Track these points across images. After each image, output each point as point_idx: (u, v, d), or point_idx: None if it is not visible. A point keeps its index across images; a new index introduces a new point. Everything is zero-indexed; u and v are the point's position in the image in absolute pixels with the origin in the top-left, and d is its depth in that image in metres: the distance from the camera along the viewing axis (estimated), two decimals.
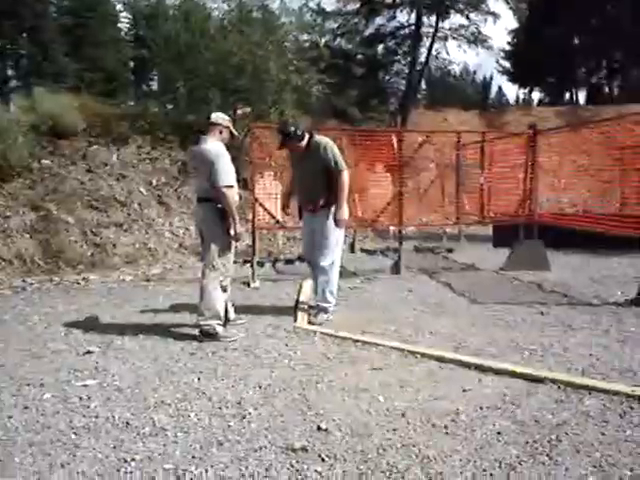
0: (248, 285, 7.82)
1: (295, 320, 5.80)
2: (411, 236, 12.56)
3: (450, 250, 11.18)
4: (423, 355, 4.56)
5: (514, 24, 35.95)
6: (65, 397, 3.74)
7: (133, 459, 2.88)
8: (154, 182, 11.47)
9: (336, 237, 5.82)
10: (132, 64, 28.46)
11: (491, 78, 58.42)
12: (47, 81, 19.45)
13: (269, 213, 8.01)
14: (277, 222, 8.13)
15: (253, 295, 7.25)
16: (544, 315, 6.05)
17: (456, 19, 19.61)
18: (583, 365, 4.32)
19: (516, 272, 8.67)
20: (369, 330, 5.44)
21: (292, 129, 5.66)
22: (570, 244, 10.19)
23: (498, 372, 4.13)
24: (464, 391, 3.81)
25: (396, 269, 8.61)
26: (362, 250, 11.04)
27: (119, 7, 25.65)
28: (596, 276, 8.41)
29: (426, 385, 3.93)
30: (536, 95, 45.17)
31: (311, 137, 5.77)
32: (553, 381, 3.90)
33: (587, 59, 37.83)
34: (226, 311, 5.34)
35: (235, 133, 5.45)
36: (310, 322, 5.78)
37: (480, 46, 20.29)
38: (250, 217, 8.22)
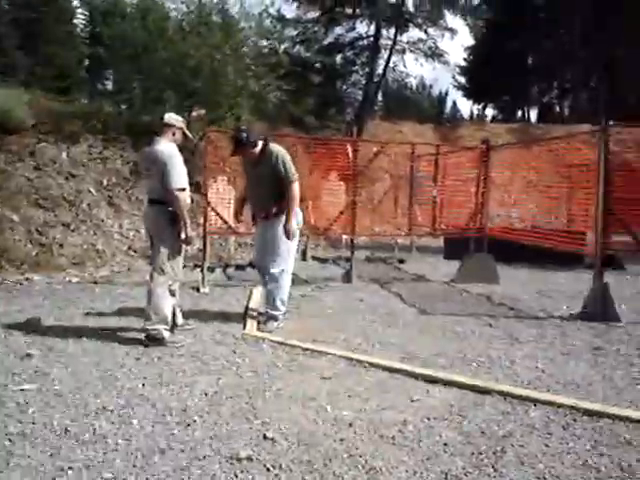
0: (198, 290, 7.70)
1: (244, 327, 5.72)
2: (363, 245, 12.59)
3: (402, 261, 11.27)
4: (372, 365, 4.55)
5: (470, 41, 36.77)
6: (1, 402, 3.59)
7: (70, 467, 2.77)
8: (105, 182, 11.23)
9: (288, 245, 5.78)
10: (87, 62, 27.83)
11: (446, 93, 59.55)
12: None
13: (221, 218, 7.92)
14: (229, 227, 8.03)
15: (202, 301, 7.14)
16: (492, 327, 6.12)
17: (414, 33, 19.90)
18: (529, 378, 4.38)
19: (466, 284, 8.76)
20: (319, 339, 5.41)
21: (245, 136, 5.60)
22: (519, 258, 10.37)
23: (446, 383, 4.14)
24: (412, 401, 3.81)
25: (348, 278, 8.61)
26: (314, 258, 11.05)
27: (75, 3, 25.05)
28: (543, 289, 8.57)
29: (374, 395, 3.91)
30: (490, 112, 46.14)
31: (265, 145, 5.73)
32: (500, 393, 3.93)
33: (539, 79, 38.77)
34: (174, 316, 5.24)
35: (189, 135, 5.36)
36: (259, 330, 5.72)
37: (437, 61, 20.58)
38: (202, 221, 8.10)
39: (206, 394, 3.82)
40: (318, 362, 4.63)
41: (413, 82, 37.28)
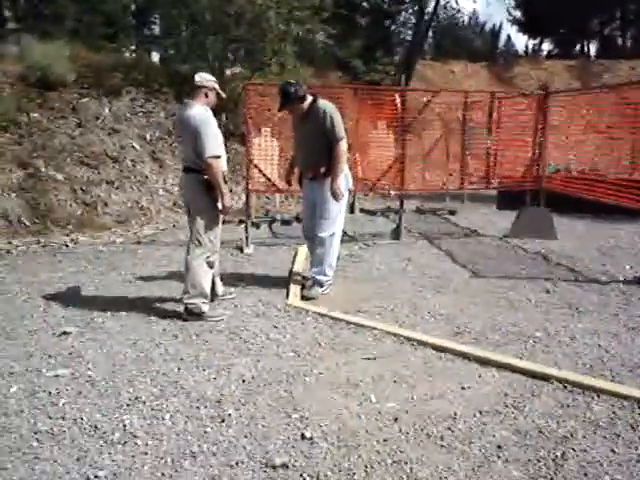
0: (241, 250, 7.51)
1: (287, 296, 5.50)
2: (413, 194, 12.20)
3: (453, 212, 10.85)
4: (420, 343, 4.28)
5: None
6: (33, 391, 3.47)
7: (96, 476, 2.61)
8: (148, 137, 11.04)
9: (337, 207, 5.50)
10: (133, 7, 27.45)
11: (500, 27, 56.84)
12: (45, 23, 18.72)
13: (264, 175, 7.63)
14: (273, 185, 7.76)
15: (245, 263, 6.94)
16: (549, 294, 5.76)
17: None
18: (591, 358, 4.05)
19: (521, 240, 8.35)
20: (365, 309, 5.17)
21: (293, 90, 5.29)
22: (578, 209, 9.79)
23: (500, 366, 3.85)
24: (463, 389, 3.54)
25: (396, 234, 8.28)
26: (362, 210, 10.73)
27: None
28: (604, 246, 8.09)
29: (422, 380, 3.66)
30: (546, 47, 44.02)
31: (314, 101, 5.40)
32: (559, 380, 3.62)
33: (600, 10, 36.58)
34: (214, 285, 5.05)
35: (222, 95, 5.03)
36: (303, 296, 5.50)
37: None
38: (245, 177, 7.83)
39: (244, 380, 3.63)
40: (363, 339, 4.39)
41: (466, 19, 35.65)
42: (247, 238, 7.60)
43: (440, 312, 5.09)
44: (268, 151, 8.13)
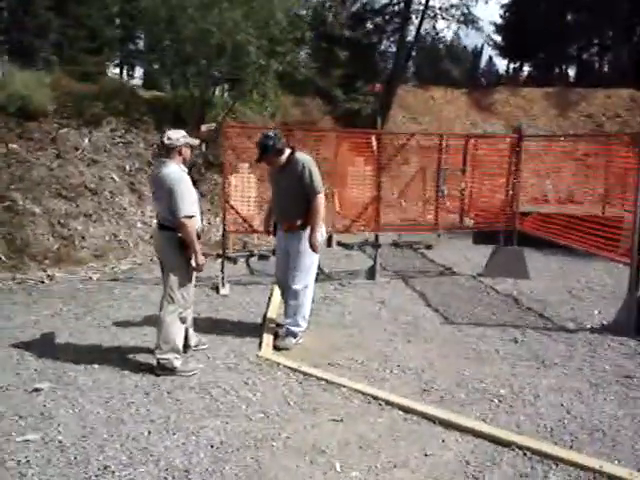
0: (217, 291, 7.57)
1: (260, 346, 5.57)
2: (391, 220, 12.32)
3: (429, 247, 10.99)
4: (387, 403, 4.37)
5: None
6: (3, 459, 3.50)
7: None
8: (127, 168, 11.09)
9: (312, 259, 5.60)
10: (118, 21, 27.40)
11: (482, 48, 57.46)
12: (28, 36, 18.69)
13: (242, 217, 7.72)
14: (250, 226, 7.84)
15: (220, 305, 7.01)
16: (517, 344, 5.89)
17: None
18: (553, 420, 4.17)
19: (494, 279, 8.51)
20: (336, 361, 5.26)
21: (271, 143, 5.39)
22: (550, 244, 9.91)
23: (464, 430, 3.95)
24: (426, 455, 3.64)
25: (371, 274, 8.39)
26: (339, 244, 10.81)
27: None
28: (574, 287, 8.27)
29: (387, 445, 3.75)
30: (526, 69, 44.57)
31: (292, 153, 5.51)
32: (520, 447, 3.72)
33: (579, 36, 37.24)
34: (186, 338, 5.12)
35: (194, 143, 5.07)
36: (276, 346, 5.58)
37: (470, 27, 19.81)
38: (222, 218, 7.91)
39: (212, 445, 3.69)
40: (332, 397, 4.47)
41: (447, 41, 36.04)
42: (223, 278, 7.67)
43: (409, 366, 5.19)
44: (245, 191, 8.22)
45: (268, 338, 5.71)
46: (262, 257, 9.69)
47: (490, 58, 63.44)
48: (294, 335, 5.67)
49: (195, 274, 4.95)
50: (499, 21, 35.97)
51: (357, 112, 17.13)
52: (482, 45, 57.93)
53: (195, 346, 5.34)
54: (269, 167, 5.77)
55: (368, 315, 6.76)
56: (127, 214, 10.21)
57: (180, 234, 4.67)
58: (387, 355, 5.45)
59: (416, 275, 8.88)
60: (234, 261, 9.27)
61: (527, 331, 6.27)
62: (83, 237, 9.44)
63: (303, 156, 5.54)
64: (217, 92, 13.52)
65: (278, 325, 6.07)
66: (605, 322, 6.61)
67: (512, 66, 44.83)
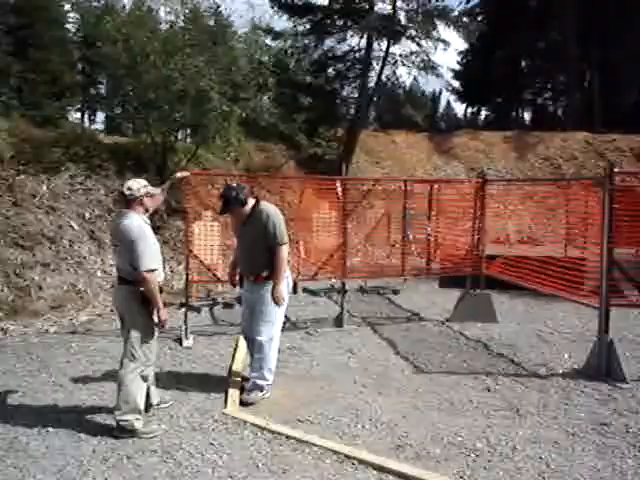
0: (180, 343, 7.31)
1: (225, 402, 5.33)
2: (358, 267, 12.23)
3: (396, 292, 10.88)
4: (360, 462, 4.18)
5: (463, 45, 36.40)
6: None
7: None
8: (87, 215, 10.82)
9: (277, 311, 5.44)
10: (80, 66, 27.31)
11: (440, 93, 58.86)
12: None
13: (205, 266, 7.52)
14: (214, 275, 7.64)
15: (184, 359, 6.74)
16: (491, 392, 5.77)
17: (407, 45, 19.52)
18: (532, 474, 4.04)
19: (462, 324, 8.42)
20: (306, 416, 5.06)
21: (234, 194, 5.27)
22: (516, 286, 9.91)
23: None
24: None
25: (339, 322, 8.22)
26: (305, 290, 10.65)
27: (67, 7, 24.53)
28: (543, 330, 8.23)
29: None
30: (483, 113, 45.61)
31: (256, 203, 5.39)
32: None
33: (533, 81, 38.37)
34: (148, 395, 4.86)
35: (156, 192, 4.91)
36: (242, 401, 5.35)
37: (430, 73, 20.15)
38: (185, 267, 7.69)
39: None
40: (302, 457, 4.26)
41: (406, 88, 36.77)
42: (186, 329, 7.41)
43: (382, 420, 5.01)
44: (208, 239, 8.04)
45: (234, 393, 5.49)
46: (226, 305, 9.48)
47: (448, 103, 65.05)
48: (260, 389, 5.46)
49: (157, 330, 4.72)
50: (457, 67, 36.78)
51: (321, 157, 17.19)
52: (440, 90, 59.46)
53: (157, 404, 5.08)
54: (233, 219, 5.64)
55: (337, 365, 6.57)
56: (87, 263, 9.90)
57: (141, 288, 4.46)
58: (358, 409, 5.26)
59: (384, 322, 8.74)
60: (197, 310, 9.04)
61: (499, 378, 6.16)
62: (40, 287, 9.10)
63: (267, 206, 5.42)
64: (179, 138, 13.37)
65: (244, 378, 5.85)
66: (577, 366, 6.56)
67: (470, 110, 45.96)
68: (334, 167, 16.73)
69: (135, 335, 4.52)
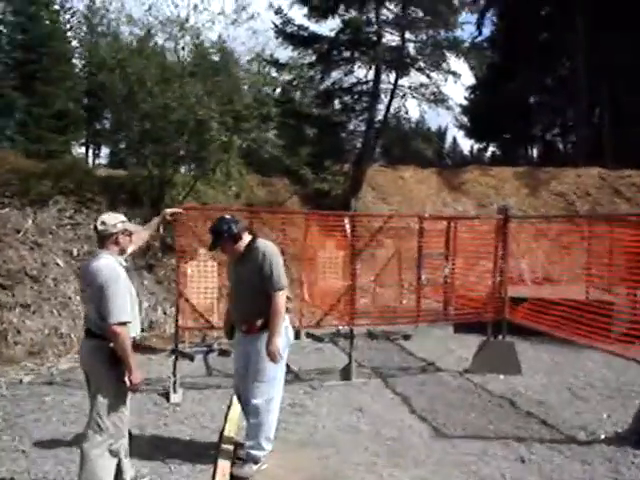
0: (167, 399, 6.47)
1: (214, 477, 4.49)
2: (365, 310, 11.40)
3: (407, 337, 10.04)
4: None
5: (471, 80, 36.00)
6: None
7: None
8: (75, 252, 10.04)
9: (276, 368, 4.62)
10: (85, 101, 27.12)
11: (446, 129, 58.69)
12: None
13: (199, 313, 6.73)
14: (207, 321, 6.84)
15: (170, 418, 5.90)
16: (525, 464, 4.94)
17: (416, 77, 18.98)
18: None
19: (483, 376, 7.59)
20: None
21: (225, 228, 4.53)
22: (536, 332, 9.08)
23: None
24: None
25: (346, 374, 7.37)
26: (308, 336, 9.81)
27: (74, 43, 24.27)
28: (574, 385, 7.37)
29: None
30: (490, 150, 45.13)
31: (253, 240, 4.63)
32: None
33: (542, 117, 37.94)
34: (120, 471, 4.02)
35: (136, 229, 4.16)
36: (234, 476, 4.52)
37: (440, 106, 19.56)
38: (175, 312, 6.87)
39: None
40: None
41: (414, 125, 36.34)
42: (175, 382, 6.57)
43: None
44: (202, 281, 7.27)
45: (224, 466, 4.63)
46: (222, 353, 8.65)
47: (454, 139, 64.85)
48: (255, 461, 4.63)
49: (130, 395, 3.90)
50: (464, 102, 36.34)
51: (327, 192, 16.48)
52: (446, 127, 59.25)
53: None
54: (227, 256, 4.89)
55: (345, 428, 5.73)
56: (71, 304, 9.07)
57: (111, 344, 3.67)
58: None
59: (396, 373, 7.89)
60: (191, 358, 8.24)
61: (533, 446, 5.32)
62: (18, 331, 8.28)
63: (265, 244, 4.65)
64: (177, 171, 12.68)
65: (237, 445, 5.02)
66: (619, 430, 5.72)
67: (476, 147, 45.54)
68: (340, 203, 16.12)
69: (102, 401, 3.71)
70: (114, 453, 3.79)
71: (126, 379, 3.71)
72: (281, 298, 4.47)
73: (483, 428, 5.80)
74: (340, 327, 8.14)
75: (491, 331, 8.02)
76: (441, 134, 57.39)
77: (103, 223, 3.84)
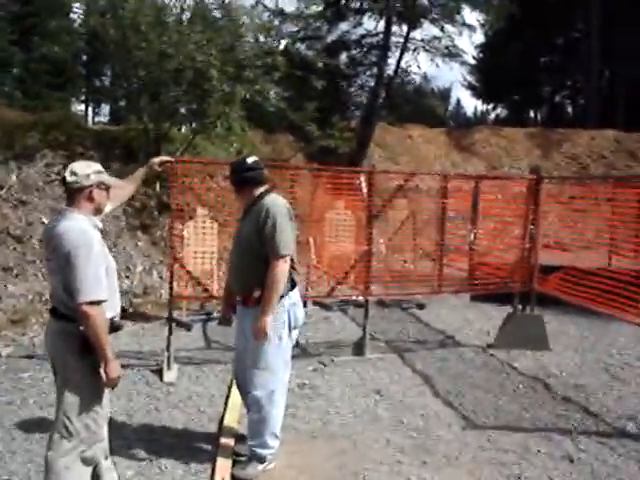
0: (161, 377, 5.75)
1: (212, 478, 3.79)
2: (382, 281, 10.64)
3: (421, 306, 9.32)
4: None
5: (480, 38, 34.83)
6: None
7: None
8: None
9: (278, 350, 3.86)
10: (85, 57, 26.12)
11: (450, 90, 57.32)
12: None
13: (197, 281, 5.97)
14: (205, 290, 6.08)
15: (163, 400, 5.19)
16: (574, 464, 4.23)
17: (429, 30, 17.84)
18: None
19: (509, 352, 6.89)
20: None
21: (245, 166, 3.86)
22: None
23: None
24: None
25: (359, 349, 6.65)
26: (315, 304, 9.08)
27: None
28: (610, 364, 6.68)
29: None
30: (495, 111, 43.90)
31: (265, 193, 3.87)
32: None
33: (551, 78, 36.74)
34: (97, 477, 3.30)
35: (112, 183, 3.30)
36: (234, 478, 3.82)
37: (454, 60, 18.49)
38: (169, 281, 6.08)
39: None
40: None
41: (423, 83, 35.03)
42: (169, 358, 5.85)
43: None
44: (201, 244, 6.51)
45: (223, 466, 3.91)
46: (223, 321, 7.90)
47: (458, 100, 63.49)
48: (261, 460, 3.92)
49: (107, 391, 3.15)
50: (473, 62, 35.09)
51: (333, 150, 15.57)
52: (450, 86, 57.89)
53: None
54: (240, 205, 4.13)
55: (362, 415, 5.02)
56: None
57: (82, 327, 2.90)
58: None
59: (413, 347, 7.17)
60: (188, 328, 7.53)
61: (579, 440, 4.62)
62: None
63: (274, 199, 3.84)
64: (175, 124, 11.82)
65: (239, 439, 4.31)
66: None
67: (480, 108, 44.29)
68: (347, 161, 15.27)
69: (71, 399, 2.96)
70: (88, 461, 3.06)
71: (101, 372, 2.95)
72: (280, 267, 3.68)
73: (518, 416, 5.09)
74: (354, 297, 7.35)
75: (518, 302, 7.29)
76: (445, 96, 55.97)
77: (73, 173, 3.00)
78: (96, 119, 33.86)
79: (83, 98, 30.76)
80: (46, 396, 5.18)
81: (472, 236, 7.02)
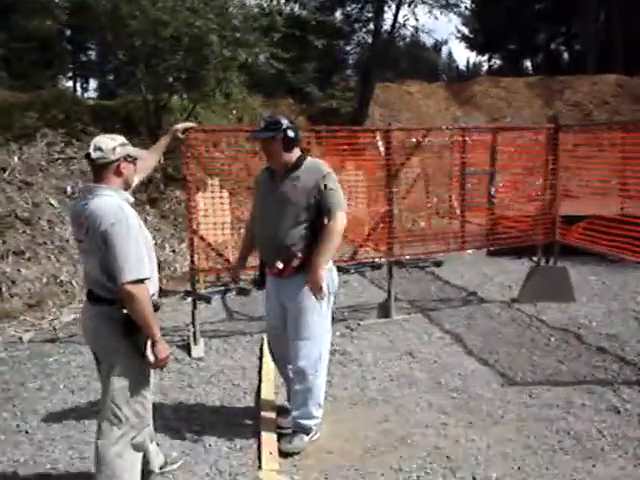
0: (189, 352, 5.65)
1: (259, 456, 3.70)
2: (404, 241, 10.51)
3: (438, 264, 9.21)
4: None
5: None
6: None
7: None
8: (69, 189, 9.06)
9: (322, 317, 3.76)
10: (69, 32, 25.54)
11: (444, 43, 56.41)
12: None
13: (215, 251, 5.84)
14: (226, 261, 5.96)
15: (194, 376, 5.10)
16: (621, 415, 4.15)
17: None
18: None
19: (534, 306, 6.81)
20: (370, 469, 3.46)
21: (285, 122, 3.65)
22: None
23: None
24: None
25: (385, 311, 6.56)
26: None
27: None
28: (636, 310, 6.63)
29: None
30: (490, 63, 43.24)
31: (303, 156, 3.71)
32: None
33: (546, 25, 36.07)
34: (146, 462, 3.22)
35: (139, 155, 3.14)
36: (282, 451, 3.74)
37: (452, 12, 18.06)
38: (190, 253, 5.95)
39: None
40: None
41: (423, 37, 34.47)
42: (195, 332, 5.75)
43: (488, 475, 3.40)
44: (216, 214, 6.37)
45: (269, 441, 3.83)
46: (241, 292, 7.84)
47: (449, 53, 62.59)
48: (306, 431, 3.84)
49: (153, 373, 3.04)
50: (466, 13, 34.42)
51: (335, 111, 15.31)
52: (442, 40, 56.94)
53: (161, 468, 3.44)
54: (258, 176, 3.97)
55: (398, 378, 4.94)
56: (69, 247, 8.13)
57: (125, 310, 2.78)
58: (449, 456, 3.66)
59: (437, 306, 7.09)
60: (207, 300, 7.43)
61: (622, 391, 4.54)
62: (13, 282, 7.40)
63: (320, 163, 3.74)
64: (174, 94, 11.56)
65: (280, 411, 4.23)
66: None
67: (472, 60, 43.61)
68: (350, 122, 15.02)
69: (118, 386, 2.85)
70: (138, 447, 2.97)
71: (148, 354, 2.83)
72: (342, 221, 3.56)
73: (556, 370, 5.02)
74: (377, 259, 7.23)
75: (541, 254, 7.19)
76: (438, 49, 55.15)
77: (99, 149, 2.85)
78: (85, 95, 33.35)
79: (70, 75, 30.27)
80: (75, 379, 5.10)
81: (493, 190, 6.87)
